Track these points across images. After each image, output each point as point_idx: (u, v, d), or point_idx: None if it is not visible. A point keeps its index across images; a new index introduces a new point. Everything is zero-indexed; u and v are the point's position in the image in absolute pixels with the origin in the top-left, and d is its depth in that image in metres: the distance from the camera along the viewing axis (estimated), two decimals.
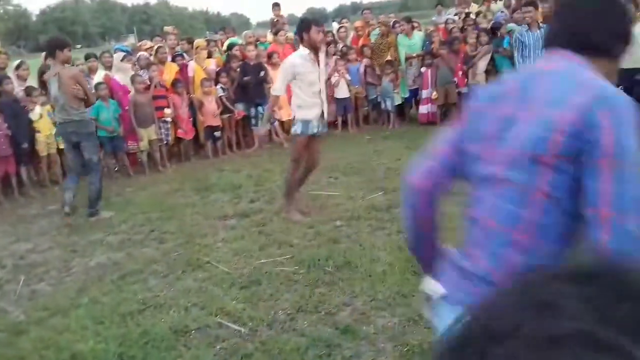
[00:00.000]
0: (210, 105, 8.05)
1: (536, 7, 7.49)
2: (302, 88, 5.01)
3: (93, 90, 6.82)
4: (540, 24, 7.05)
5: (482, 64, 8.52)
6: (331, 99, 9.19)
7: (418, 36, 9.39)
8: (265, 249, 4.59)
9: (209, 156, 8.10)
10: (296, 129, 5.10)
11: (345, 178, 6.55)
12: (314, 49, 4.95)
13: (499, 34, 8.57)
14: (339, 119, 9.24)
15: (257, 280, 3.99)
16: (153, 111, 7.63)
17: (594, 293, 0.39)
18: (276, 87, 5.21)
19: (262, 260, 4.34)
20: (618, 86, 1.34)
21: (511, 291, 0.43)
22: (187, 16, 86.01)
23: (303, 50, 5.00)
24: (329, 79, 9.05)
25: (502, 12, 9.67)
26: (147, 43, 9.73)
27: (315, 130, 5.08)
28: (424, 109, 9.11)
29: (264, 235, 4.89)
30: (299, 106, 5.09)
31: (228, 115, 8.31)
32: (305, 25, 4.98)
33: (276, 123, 8.58)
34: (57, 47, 5.56)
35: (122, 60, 8.07)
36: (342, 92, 9.01)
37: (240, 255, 4.49)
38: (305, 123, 5.04)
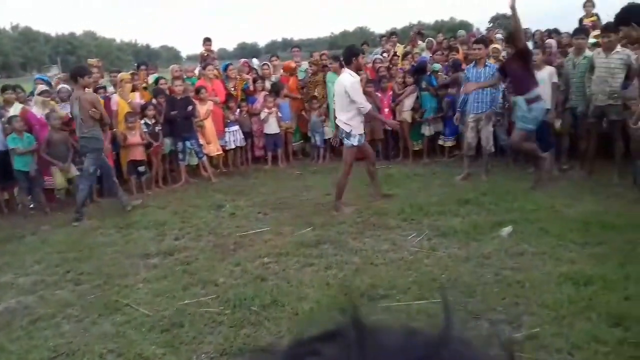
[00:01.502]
0: (135, 139, 7.82)
1: (486, 46, 7.79)
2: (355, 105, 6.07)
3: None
4: (487, 62, 7.31)
5: (408, 102, 8.79)
6: (261, 134, 9.20)
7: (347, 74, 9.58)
8: (189, 288, 4.42)
9: (133, 192, 7.81)
10: (354, 141, 6.18)
11: (275, 213, 6.49)
12: (357, 73, 6.30)
13: (425, 73, 8.88)
14: (269, 155, 9.22)
15: (179, 323, 3.82)
16: (69, 147, 7.30)
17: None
18: (364, 104, 6.18)
19: (186, 301, 4.17)
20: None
21: None
22: (114, 48, 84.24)
23: (353, 73, 6.17)
24: (258, 114, 9.07)
25: (426, 54, 10.08)
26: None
27: (363, 141, 6.35)
28: None
29: (188, 275, 4.72)
30: (360, 122, 6.22)
31: (152, 149, 8.09)
32: (355, 52, 6.33)
33: (204, 158, 8.45)
34: (79, 74, 6.62)
35: (40, 95, 7.73)
36: (273, 127, 9.02)
37: (162, 296, 4.30)
38: (361, 136, 6.25)
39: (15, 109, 7.44)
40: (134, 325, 3.85)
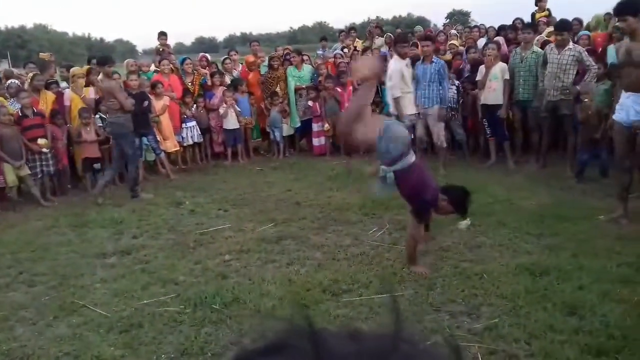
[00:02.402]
0: (89, 135, 7.60)
1: (433, 42, 7.92)
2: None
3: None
4: (433, 59, 7.41)
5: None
6: (219, 129, 9.09)
7: (307, 69, 9.58)
8: (148, 288, 4.33)
9: (88, 189, 7.60)
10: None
11: (235, 210, 6.42)
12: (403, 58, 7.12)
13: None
14: (229, 150, 9.13)
15: (138, 323, 3.74)
16: (21, 144, 7.05)
17: None
18: (393, 90, 7.10)
19: (145, 301, 4.08)
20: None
21: None
22: (67, 42, 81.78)
23: (398, 59, 7.07)
24: (216, 109, 8.95)
25: (385, 49, 10.13)
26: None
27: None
28: (315, 141, 9.28)
29: (146, 274, 4.62)
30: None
31: (107, 146, 7.89)
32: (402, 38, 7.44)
33: (162, 154, 8.30)
34: (104, 62, 7.20)
35: None
36: (232, 123, 8.92)
37: (120, 296, 4.20)
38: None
39: None
40: (92, 326, 3.75)
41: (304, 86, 9.34)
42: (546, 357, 3.06)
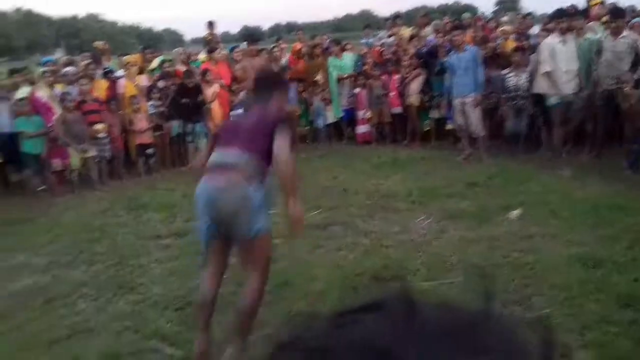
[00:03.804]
0: (141, 122, 7.84)
1: (464, 30, 7.85)
2: None
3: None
4: (466, 47, 7.35)
5: (415, 86, 8.74)
6: None
7: (348, 57, 9.55)
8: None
9: (141, 174, 7.85)
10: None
11: (283, 197, 6.50)
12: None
13: (437, 57, 8.77)
14: None
15: (193, 302, 3.87)
16: (85, 128, 7.35)
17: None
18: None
19: (198, 281, 4.21)
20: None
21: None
22: (117, 31, 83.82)
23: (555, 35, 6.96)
24: None
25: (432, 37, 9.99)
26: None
27: None
28: (360, 129, 9.28)
29: (200, 255, 4.76)
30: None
31: (160, 132, 8.12)
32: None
33: None
34: (249, 40, 7.97)
35: (43, 76, 7.77)
36: None
37: (175, 275, 4.36)
38: None
39: (23, 92, 7.47)
40: (149, 304, 3.91)
41: (345, 75, 9.31)
42: (600, 348, 3.02)
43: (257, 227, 2.94)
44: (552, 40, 7.07)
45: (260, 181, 2.95)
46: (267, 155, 2.92)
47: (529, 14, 10.58)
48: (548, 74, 7.03)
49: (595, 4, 9.39)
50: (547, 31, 7.83)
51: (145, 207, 6.30)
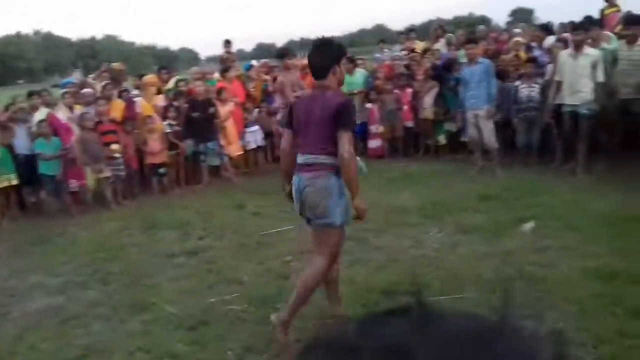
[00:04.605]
0: (154, 143, 7.94)
1: (476, 44, 7.84)
2: None
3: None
4: (479, 60, 7.34)
5: (428, 99, 8.75)
6: (277, 134, 9.26)
7: (360, 74, 9.57)
8: (214, 287, 4.49)
9: (155, 193, 7.94)
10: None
11: (296, 212, 6.52)
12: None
13: (451, 70, 8.76)
14: None
15: (205, 321, 3.89)
16: (102, 148, 7.47)
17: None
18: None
19: (211, 300, 4.24)
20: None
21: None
22: (135, 51, 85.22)
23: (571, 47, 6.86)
24: (277, 113, 9.12)
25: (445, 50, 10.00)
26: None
27: None
28: (372, 143, 9.29)
29: (212, 274, 4.79)
30: None
31: (175, 152, 8.21)
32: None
33: (226, 159, 8.54)
34: (279, 56, 7.63)
35: (65, 98, 7.93)
36: None
37: (187, 294, 4.38)
38: None
39: (41, 114, 7.62)
40: (162, 323, 3.93)
41: (355, 91, 9.33)
42: None
43: (332, 218, 3.28)
44: (565, 52, 7.00)
45: (337, 171, 3.26)
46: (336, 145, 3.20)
47: (544, 25, 10.47)
48: (558, 85, 6.98)
49: (610, 13, 9.35)
50: (562, 42, 7.78)
51: (159, 225, 6.35)
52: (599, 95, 6.79)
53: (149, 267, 5.12)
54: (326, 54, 3.39)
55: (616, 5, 9.53)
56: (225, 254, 5.25)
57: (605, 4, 9.63)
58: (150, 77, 9.12)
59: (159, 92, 8.69)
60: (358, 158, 3.40)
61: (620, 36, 7.29)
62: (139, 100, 8.37)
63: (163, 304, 4.24)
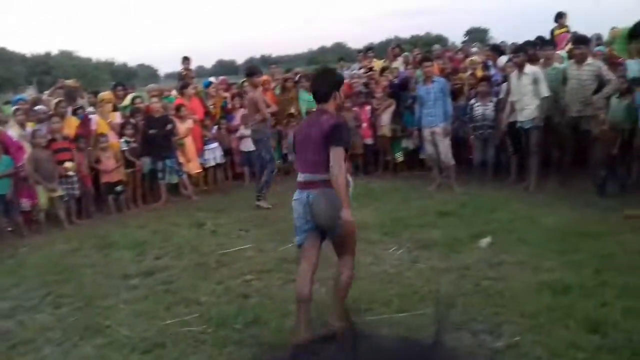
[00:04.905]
0: (108, 161, 7.77)
1: (432, 62, 8.01)
2: None
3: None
4: (434, 78, 7.51)
5: (386, 117, 8.87)
6: (237, 151, 9.22)
7: None
8: (171, 308, 4.39)
9: (112, 212, 7.76)
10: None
11: (256, 230, 6.49)
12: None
13: (407, 89, 8.90)
14: (247, 171, 9.22)
15: (161, 343, 3.79)
16: (55, 166, 7.26)
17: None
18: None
19: (168, 321, 4.14)
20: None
21: None
22: (91, 67, 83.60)
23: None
24: (237, 130, 9.09)
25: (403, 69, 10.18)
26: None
27: None
28: None
29: (170, 294, 4.69)
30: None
31: (132, 169, 8.06)
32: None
33: (185, 176, 8.43)
34: (253, 73, 7.62)
35: (16, 115, 7.69)
36: (250, 144, 9.01)
37: (143, 316, 4.27)
38: None
39: None
40: (116, 347, 3.81)
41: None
42: None
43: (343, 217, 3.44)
44: (514, 73, 7.28)
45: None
46: None
47: (497, 45, 10.78)
48: (512, 104, 7.22)
49: (559, 33, 9.72)
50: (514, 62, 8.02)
51: (114, 245, 6.20)
52: (545, 110, 7.08)
53: (103, 288, 4.97)
54: (328, 81, 3.73)
55: (565, 26, 9.93)
56: (183, 274, 5.15)
57: (555, 24, 10.02)
58: (105, 94, 8.95)
59: (115, 109, 8.54)
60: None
61: (569, 56, 7.57)
62: (94, 117, 8.21)
63: (117, 326, 4.12)
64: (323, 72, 4.09)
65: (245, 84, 9.88)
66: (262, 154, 7.62)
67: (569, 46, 8.42)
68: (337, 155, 3.41)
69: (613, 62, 7.55)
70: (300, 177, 3.67)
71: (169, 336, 3.89)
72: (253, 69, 7.93)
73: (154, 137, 8.12)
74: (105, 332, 4.07)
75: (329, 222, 3.49)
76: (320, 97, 3.67)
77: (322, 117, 3.58)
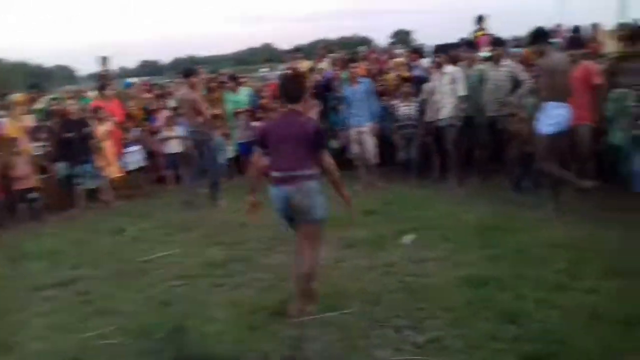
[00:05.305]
0: (21, 167, 7.35)
1: (358, 63, 8.14)
2: None
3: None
4: (360, 79, 7.62)
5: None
6: (160, 154, 8.97)
7: (244, 92, 9.58)
8: (89, 320, 4.19)
9: (25, 220, 7.34)
10: None
11: (181, 234, 6.33)
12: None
13: (331, 90, 8.95)
14: (171, 174, 8.98)
15: (78, 358, 3.61)
16: None
17: None
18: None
19: (86, 334, 3.94)
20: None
21: None
22: (3, 69, 78.97)
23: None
24: (159, 132, 8.84)
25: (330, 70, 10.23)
26: None
27: None
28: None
29: (87, 305, 4.48)
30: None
31: (46, 175, 7.66)
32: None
33: (104, 181, 8.09)
34: (190, 74, 7.58)
35: None
36: (174, 147, 8.79)
37: (58, 330, 4.05)
38: None
39: None
40: None
41: (241, 110, 9.33)
42: None
43: (317, 215, 3.88)
44: (435, 73, 7.50)
45: (316, 177, 3.88)
46: (313, 158, 3.87)
47: (417, 47, 11.11)
48: (434, 103, 7.44)
49: (480, 36, 10.12)
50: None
51: (26, 256, 5.86)
52: (464, 109, 7.37)
53: (14, 301, 4.68)
54: (300, 84, 4.17)
55: (484, 29, 10.36)
56: (101, 284, 4.94)
57: (477, 26, 10.45)
58: (18, 97, 8.48)
59: (27, 112, 8.09)
60: None
61: (488, 57, 7.87)
62: (4, 121, 7.74)
63: (29, 342, 3.88)
64: (295, 75, 4.71)
65: (172, 84, 9.69)
66: (205, 156, 7.51)
67: (488, 48, 8.78)
68: (327, 157, 3.94)
69: (529, 64, 7.90)
70: (277, 173, 3.92)
71: (87, 350, 3.71)
72: (190, 69, 7.85)
73: (70, 141, 7.74)
74: (16, 348, 3.82)
75: (307, 212, 3.86)
76: (293, 98, 3.99)
77: (299, 118, 3.96)
